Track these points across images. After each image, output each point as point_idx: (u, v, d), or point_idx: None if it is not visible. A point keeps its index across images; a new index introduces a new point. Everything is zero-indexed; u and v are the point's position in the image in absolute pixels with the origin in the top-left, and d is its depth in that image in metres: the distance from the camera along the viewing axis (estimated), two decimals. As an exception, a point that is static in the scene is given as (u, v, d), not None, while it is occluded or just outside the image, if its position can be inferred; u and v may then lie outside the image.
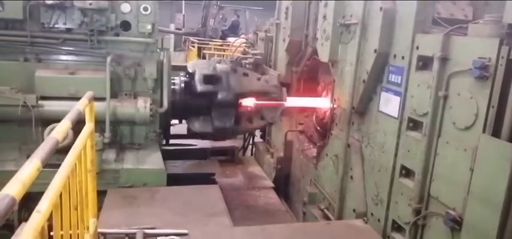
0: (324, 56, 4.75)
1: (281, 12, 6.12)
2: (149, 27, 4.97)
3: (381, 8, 3.74)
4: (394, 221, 3.72)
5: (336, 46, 4.53)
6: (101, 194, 3.88)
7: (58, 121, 4.51)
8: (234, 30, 21.31)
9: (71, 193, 1.99)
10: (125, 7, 4.93)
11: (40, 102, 4.60)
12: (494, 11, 3.14)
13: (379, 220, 3.89)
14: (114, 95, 4.87)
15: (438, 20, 3.53)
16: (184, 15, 26.13)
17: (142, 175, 4.78)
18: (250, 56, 6.75)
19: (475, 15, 3.75)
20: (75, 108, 2.28)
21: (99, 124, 4.49)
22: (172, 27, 25.27)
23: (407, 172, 3.57)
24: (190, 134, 5.86)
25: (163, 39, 5.08)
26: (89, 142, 2.55)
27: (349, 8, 4.29)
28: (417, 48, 3.41)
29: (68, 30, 4.88)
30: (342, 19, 4.36)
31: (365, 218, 4.04)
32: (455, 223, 2.94)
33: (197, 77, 5.34)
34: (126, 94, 4.96)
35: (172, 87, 5.43)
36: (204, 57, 16.23)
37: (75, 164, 2.13)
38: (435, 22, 3.53)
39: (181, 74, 5.67)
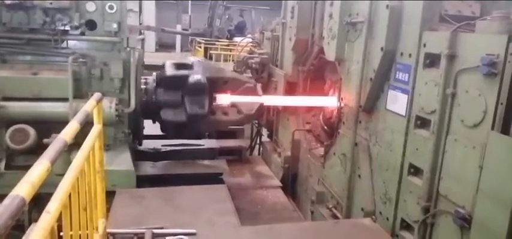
0: (330, 54, 4.74)
1: (287, 12, 6.11)
2: (115, 25, 4.90)
3: (387, 6, 3.72)
4: (402, 220, 3.70)
5: (342, 45, 4.52)
6: (110, 195, 3.91)
7: (21, 121, 4.57)
8: (240, 30, 21.35)
9: (80, 193, 2.01)
10: (90, 6, 4.87)
11: (2, 103, 4.57)
12: (502, 7, 3.11)
13: (387, 219, 3.88)
14: (80, 95, 4.82)
15: (445, 17, 3.51)
16: (190, 16, 26.26)
17: (111, 176, 4.70)
18: (256, 55, 6.76)
19: (483, 11, 3.71)
20: (83, 109, 2.30)
21: (65, 125, 4.44)
22: (179, 28, 25.40)
23: (415, 170, 3.55)
24: (165, 135, 5.84)
25: (129, 38, 4.94)
26: (97, 143, 2.57)
27: (355, 6, 4.28)
28: (424, 45, 3.39)
29: (32, 31, 4.83)
30: (348, 17, 4.35)
31: (373, 216, 4.02)
32: (465, 221, 2.92)
33: (167, 64, 5.31)
34: (92, 94, 4.89)
35: (144, 86, 5.38)
36: (210, 58, 16.33)
37: (84, 165, 2.14)
38: (442, 19, 3.51)
39: (154, 73, 5.63)
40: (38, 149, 4.52)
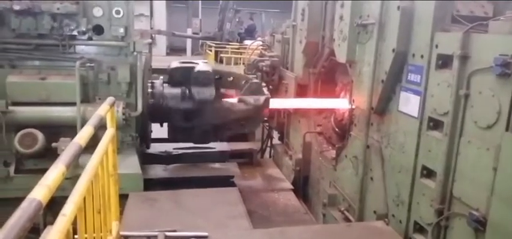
0: (341, 56, 4.73)
1: (297, 14, 6.11)
2: (122, 30, 4.93)
3: (398, 7, 3.70)
4: (416, 223, 3.66)
5: (353, 46, 4.50)
6: (123, 198, 3.94)
7: (29, 126, 4.64)
8: (250, 33, 21.41)
9: (94, 196, 2.04)
10: (97, 11, 4.91)
11: (11, 108, 4.61)
12: (516, 6, 3.08)
13: (400, 222, 3.84)
14: (88, 99, 4.88)
15: (457, 18, 3.47)
16: (201, 20, 26.40)
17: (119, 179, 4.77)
18: (267, 58, 6.77)
19: (496, 11, 3.67)
20: (96, 114, 2.34)
21: (73, 129, 4.45)
22: (189, 31, 25.57)
23: (428, 173, 3.52)
24: (172, 139, 5.95)
25: (135, 42, 4.95)
26: (110, 147, 2.60)
27: (366, 7, 4.26)
28: (436, 46, 3.36)
29: (40, 36, 4.88)
30: (358, 19, 4.33)
31: (386, 219, 3.99)
32: (479, 224, 2.88)
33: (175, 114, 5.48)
34: (99, 99, 4.92)
35: (151, 91, 5.43)
36: (221, 61, 16.39)
37: (98, 169, 2.17)
38: (454, 20, 3.47)
39: (162, 77, 5.66)
40: (46, 153, 4.60)
